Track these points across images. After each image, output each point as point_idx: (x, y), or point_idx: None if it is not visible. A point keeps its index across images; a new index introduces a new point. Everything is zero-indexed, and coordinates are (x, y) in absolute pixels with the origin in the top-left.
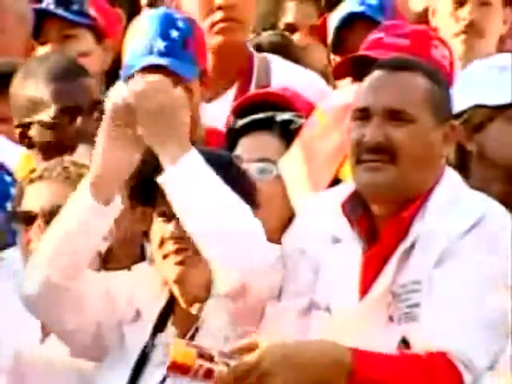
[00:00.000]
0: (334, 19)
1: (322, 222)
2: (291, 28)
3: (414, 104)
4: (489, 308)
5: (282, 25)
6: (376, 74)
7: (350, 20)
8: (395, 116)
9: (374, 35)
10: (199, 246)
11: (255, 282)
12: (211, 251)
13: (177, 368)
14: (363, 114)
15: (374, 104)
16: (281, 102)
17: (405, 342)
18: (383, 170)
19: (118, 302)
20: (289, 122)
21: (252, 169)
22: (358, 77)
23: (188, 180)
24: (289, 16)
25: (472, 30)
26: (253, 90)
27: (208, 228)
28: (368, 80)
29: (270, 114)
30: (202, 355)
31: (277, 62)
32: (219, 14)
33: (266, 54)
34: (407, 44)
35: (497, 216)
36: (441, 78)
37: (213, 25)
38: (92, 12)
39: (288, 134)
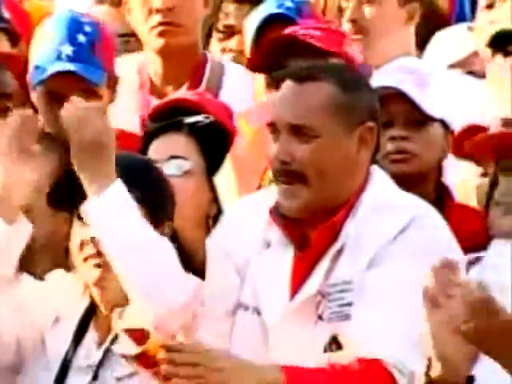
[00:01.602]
0: (251, 22)
1: (252, 225)
2: (230, 31)
3: (318, 117)
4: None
5: (221, 27)
6: (285, 85)
7: (269, 22)
8: (299, 132)
9: (290, 28)
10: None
11: (165, 324)
12: (126, 284)
13: (143, 358)
14: (273, 129)
15: (279, 120)
16: (192, 106)
17: (335, 340)
18: (296, 195)
19: (34, 312)
20: (197, 122)
21: (164, 167)
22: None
23: (110, 213)
24: (228, 19)
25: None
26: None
27: (125, 263)
28: (279, 92)
29: (178, 118)
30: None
31: (231, 67)
32: (157, 18)
33: (222, 59)
34: (321, 35)
35: (428, 218)
36: (351, 81)
37: (152, 28)
38: (6, 14)
39: (196, 132)
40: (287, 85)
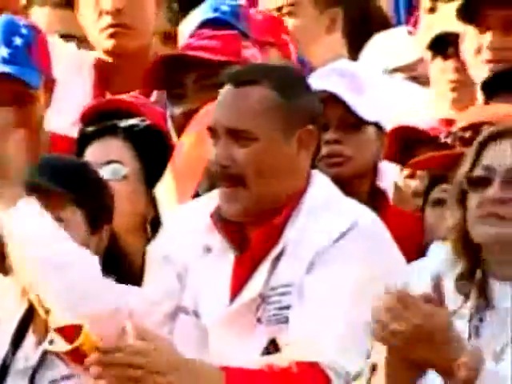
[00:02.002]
0: (188, 26)
1: (193, 230)
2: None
3: (256, 121)
4: (360, 314)
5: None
6: (224, 89)
7: (205, 26)
8: (238, 136)
9: (186, 41)
10: None
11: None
12: (48, 298)
13: (76, 354)
14: (213, 134)
15: (218, 124)
16: (127, 108)
17: (273, 343)
18: (235, 198)
19: None
20: (133, 126)
21: (102, 171)
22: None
23: (25, 226)
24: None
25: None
26: (154, 97)
27: (46, 279)
28: (219, 96)
29: (113, 121)
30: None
31: None
32: (107, 20)
33: None
34: (217, 45)
35: (368, 222)
36: (291, 84)
37: (102, 30)
38: None
39: (132, 136)
40: (226, 89)
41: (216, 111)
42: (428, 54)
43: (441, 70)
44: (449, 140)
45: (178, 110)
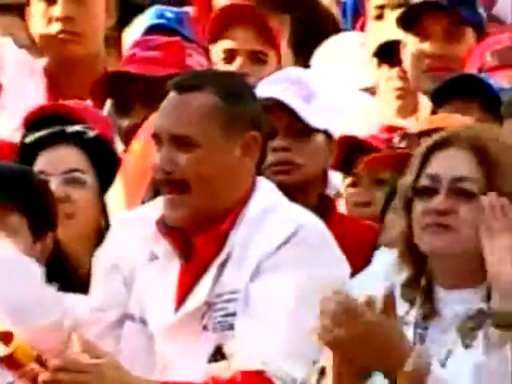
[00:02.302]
0: (133, 33)
1: (139, 238)
2: None
3: (199, 127)
4: (305, 319)
5: None
6: (169, 96)
7: (151, 33)
8: (181, 142)
9: (129, 51)
10: None
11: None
12: None
13: (10, 361)
14: (157, 140)
15: (162, 130)
16: (69, 114)
17: (219, 350)
18: (179, 205)
19: None
20: (81, 133)
21: (60, 180)
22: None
23: None
24: None
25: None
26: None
27: None
28: (163, 103)
29: (60, 127)
30: (39, 361)
31: None
32: (57, 26)
33: None
34: (161, 55)
35: (312, 228)
36: (234, 91)
37: (52, 37)
38: None
39: (84, 144)
40: (170, 95)
41: (159, 118)
42: (374, 61)
43: (387, 78)
44: (402, 144)
45: (124, 123)
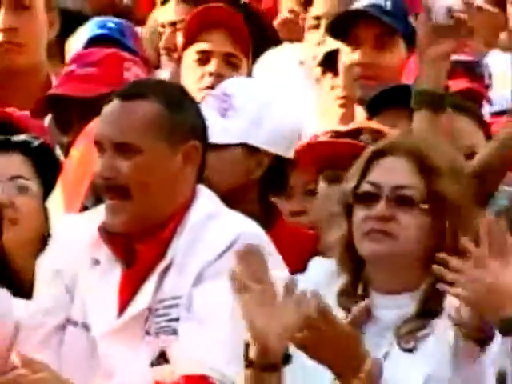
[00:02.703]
0: (75, 44)
1: (81, 244)
2: None
3: (141, 134)
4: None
5: None
6: (110, 104)
7: (93, 43)
8: (122, 149)
9: (68, 68)
10: None
11: None
12: None
13: None
14: (98, 147)
15: (103, 138)
16: (11, 122)
17: (163, 355)
18: (120, 210)
19: None
20: (27, 142)
21: (4, 187)
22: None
23: None
24: None
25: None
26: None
27: None
28: (104, 109)
29: (5, 136)
30: None
31: None
32: None
33: None
34: (98, 72)
35: (252, 235)
36: (177, 100)
37: None
38: None
39: (30, 152)
40: (113, 103)
41: (101, 125)
42: (317, 70)
43: (330, 87)
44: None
45: (65, 139)
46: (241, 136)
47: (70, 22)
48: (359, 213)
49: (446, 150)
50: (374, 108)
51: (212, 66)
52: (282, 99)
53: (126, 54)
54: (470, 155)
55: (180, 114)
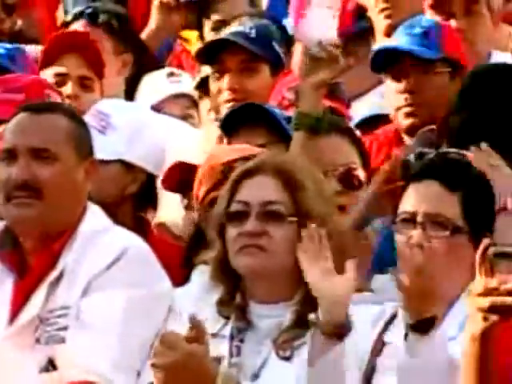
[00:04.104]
0: None
1: None
2: None
3: (57, 143)
4: (132, 333)
5: None
6: (20, 116)
7: None
8: (40, 155)
9: None
10: None
11: None
12: None
13: None
14: (9, 155)
15: (19, 144)
16: None
17: (51, 362)
18: (30, 206)
19: None
20: None
21: None
22: None
23: None
24: None
25: None
26: None
27: None
28: (13, 121)
29: None
30: None
31: None
32: None
33: None
34: (22, 98)
35: (137, 248)
36: (79, 117)
37: None
38: None
39: None
40: (22, 116)
41: (13, 135)
42: (196, 93)
43: (207, 109)
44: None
45: None
46: (118, 153)
47: None
48: (232, 231)
49: (309, 168)
50: (229, 129)
51: (67, 89)
52: (155, 120)
53: (45, 81)
54: (346, 172)
55: (83, 129)
